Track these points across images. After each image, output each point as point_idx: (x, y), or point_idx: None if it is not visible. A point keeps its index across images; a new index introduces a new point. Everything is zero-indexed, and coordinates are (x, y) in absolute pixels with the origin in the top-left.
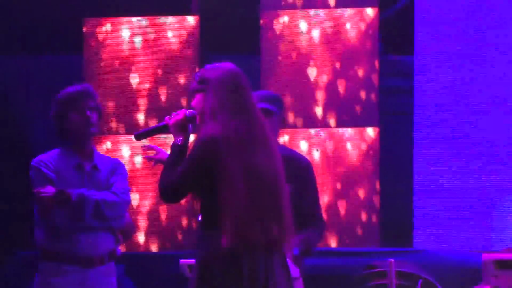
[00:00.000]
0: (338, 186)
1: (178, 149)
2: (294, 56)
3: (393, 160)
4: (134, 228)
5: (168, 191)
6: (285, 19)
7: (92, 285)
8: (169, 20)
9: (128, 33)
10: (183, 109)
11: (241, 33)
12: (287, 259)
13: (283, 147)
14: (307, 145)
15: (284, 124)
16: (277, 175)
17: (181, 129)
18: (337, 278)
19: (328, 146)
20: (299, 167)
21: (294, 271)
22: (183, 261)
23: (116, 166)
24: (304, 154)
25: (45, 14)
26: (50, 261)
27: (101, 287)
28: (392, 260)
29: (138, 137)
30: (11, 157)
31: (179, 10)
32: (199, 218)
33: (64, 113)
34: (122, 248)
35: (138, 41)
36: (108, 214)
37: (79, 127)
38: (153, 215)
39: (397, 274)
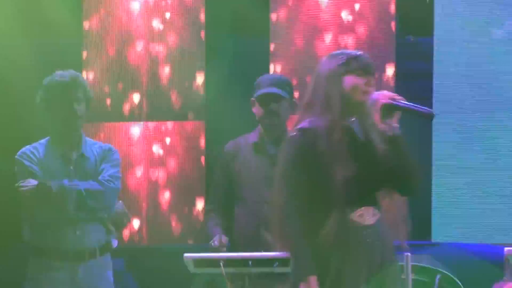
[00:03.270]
0: None
1: None
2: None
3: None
4: (127, 217)
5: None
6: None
7: (84, 281)
8: None
9: None
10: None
11: (250, 15)
12: None
13: None
14: None
15: (295, 110)
16: None
17: None
18: None
19: None
20: None
21: None
22: (187, 255)
23: (106, 153)
24: None
25: None
26: (38, 257)
27: (95, 282)
28: (409, 253)
29: (392, 107)
30: None
31: None
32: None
33: (49, 104)
34: (121, 240)
35: None
36: (93, 204)
37: (64, 119)
38: (154, 205)
39: (414, 268)
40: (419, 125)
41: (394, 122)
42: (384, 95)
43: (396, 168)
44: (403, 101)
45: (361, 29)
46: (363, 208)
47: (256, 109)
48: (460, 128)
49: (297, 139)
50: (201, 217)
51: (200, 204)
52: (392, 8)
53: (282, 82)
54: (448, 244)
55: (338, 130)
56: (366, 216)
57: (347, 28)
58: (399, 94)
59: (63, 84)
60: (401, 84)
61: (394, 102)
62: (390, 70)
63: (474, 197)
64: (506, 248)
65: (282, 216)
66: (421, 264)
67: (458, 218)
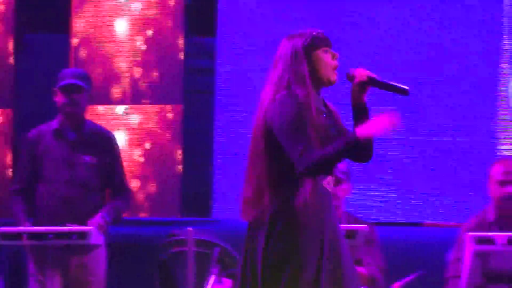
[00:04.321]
0: (143, 159)
1: None
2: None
3: (196, 135)
4: None
5: None
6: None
7: None
8: None
9: None
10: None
11: (52, 13)
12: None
13: (90, 122)
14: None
15: (91, 101)
16: None
17: None
18: (141, 246)
19: (134, 121)
20: (106, 140)
21: (99, 238)
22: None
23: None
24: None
25: None
26: None
27: None
28: (191, 228)
29: (368, 83)
30: None
31: None
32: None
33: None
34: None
35: None
36: None
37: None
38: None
39: (195, 242)
40: (203, 115)
41: (364, 97)
42: (361, 72)
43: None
44: (380, 78)
45: (150, 26)
46: (329, 177)
47: (59, 98)
48: (241, 120)
49: (291, 96)
50: None
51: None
52: (180, 8)
53: (83, 75)
54: (228, 220)
55: (312, 99)
56: (331, 184)
57: (140, 25)
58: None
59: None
60: (189, 78)
61: (377, 78)
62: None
63: None
64: None
65: (299, 156)
66: (202, 238)
67: (236, 198)
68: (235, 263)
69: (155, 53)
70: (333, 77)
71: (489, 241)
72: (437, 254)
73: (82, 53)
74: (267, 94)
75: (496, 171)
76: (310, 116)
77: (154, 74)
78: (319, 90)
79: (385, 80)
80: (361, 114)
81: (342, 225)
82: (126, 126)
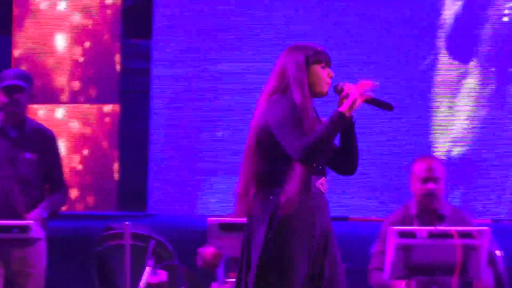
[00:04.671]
0: (85, 153)
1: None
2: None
3: (133, 133)
4: None
5: None
6: None
7: None
8: None
9: None
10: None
11: None
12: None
13: (31, 120)
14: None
15: (32, 100)
16: None
17: None
18: (79, 239)
19: (73, 120)
20: (46, 138)
21: (39, 232)
22: None
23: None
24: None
25: None
26: None
27: None
28: (128, 222)
29: (367, 101)
30: None
31: None
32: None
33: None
34: None
35: None
36: None
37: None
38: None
39: (132, 235)
40: (140, 114)
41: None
42: (350, 87)
43: (346, 149)
44: (371, 94)
45: (89, 29)
46: (323, 178)
47: (0, 98)
48: (176, 119)
49: (286, 97)
50: None
51: None
52: (118, 12)
53: (25, 76)
54: (162, 215)
55: (310, 105)
56: (324, 185)
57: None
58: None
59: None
60: (125, 79)
61: (375, 97)
62: (118, 67)
63: (190, 174)
64: (208, 219)
65: (293, 146)
66: (138, 232)
67: (170, 193)
68: (169, 255)
69: (94, 57)
70: (325, 90)
71: (410, 234)
72: (362, 247)
73: (23, 66)
74: (264, 96)
75: (418, 168)
76: (306, 119)
77: (93, 76)
78: (312, 99)
79: (377, 97)
80: (348, 128)
81: None
82: (66, 126)
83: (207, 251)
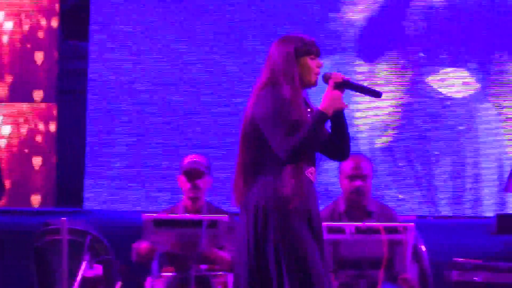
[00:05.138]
0: (22, 153)
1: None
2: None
3: (69, 132)
4: None
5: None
6: None
7: None
8: None
9: None
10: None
11: None
12: None
13: None
14: None
15: None
16: None
17: None
18: (18, 234)
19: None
20: None
21: None
22: None
23: None
24: None
25: None
26: None
27: None
28: (65, 218)
29: (342, 85)
30: None
31: None
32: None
33: None
34: None
35: None
36: None
37: None
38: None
39: (69, 230)
40: (77, 114)
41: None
42: (336, 74)
43: (338, 135)
44: (354, 81)
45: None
46: (312, 167)
47: None
48: (112, 118)
49: (275, 90)
50: None
51: None
52: (56, 13)
53: None
54: (98, 211)
55: (300, 96)
56: (314, 174)
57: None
58: None
59: None
60: (63, 79)
61: (351, 81)
62: (55, 69)
63: (125, 172)
64: (143, 215)
65: (279, 145)
66: (75, 227)
67: (106, 190)
68: (105, 250)
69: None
70: (314, 80)
71: (339, 230)
72: None
73: None
74: (255, 89)
75: (347, 166)
76: (297, 111)
77: (31, 75)
78: (302, 90)
79: (359, 83)
80: (337, 116)
81: (203, 215)
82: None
83: (142, 246)
